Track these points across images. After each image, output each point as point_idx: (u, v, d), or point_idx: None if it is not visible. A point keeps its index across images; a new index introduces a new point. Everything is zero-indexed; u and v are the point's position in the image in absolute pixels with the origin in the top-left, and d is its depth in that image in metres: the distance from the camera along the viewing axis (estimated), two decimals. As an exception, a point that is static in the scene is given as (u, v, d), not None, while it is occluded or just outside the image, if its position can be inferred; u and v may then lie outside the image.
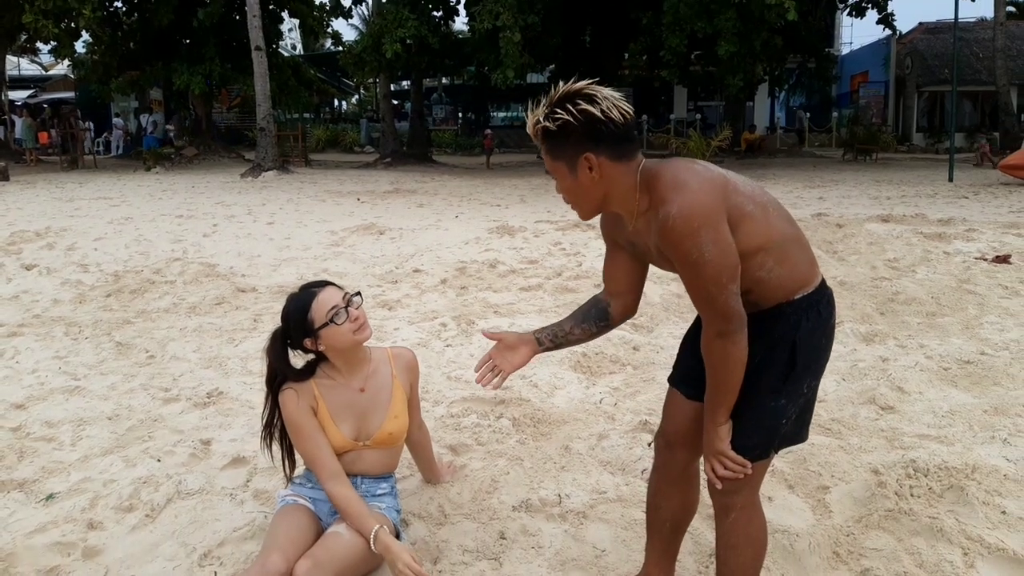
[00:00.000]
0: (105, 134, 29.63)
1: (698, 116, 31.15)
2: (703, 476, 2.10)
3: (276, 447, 2.65)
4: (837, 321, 4.95)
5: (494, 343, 2.29)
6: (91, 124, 27.64)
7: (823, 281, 2.04)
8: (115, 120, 29.66)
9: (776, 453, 2.08)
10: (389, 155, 23.23)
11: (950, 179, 15.48)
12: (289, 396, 2.51)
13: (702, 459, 2.11)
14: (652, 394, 3.85)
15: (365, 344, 2.59)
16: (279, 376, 2.57)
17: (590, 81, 1.86)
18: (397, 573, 2.26)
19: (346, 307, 2.49)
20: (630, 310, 2.25)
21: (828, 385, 4.02)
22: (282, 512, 2.46)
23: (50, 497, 3.01)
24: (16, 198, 12.80)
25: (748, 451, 1.98)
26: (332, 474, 2.43)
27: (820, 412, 3.70)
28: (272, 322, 5.32)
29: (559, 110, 1.82)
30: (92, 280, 6.53)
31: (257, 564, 2.22)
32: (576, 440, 3.41)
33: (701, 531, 2.67)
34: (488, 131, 26.71)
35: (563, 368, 4.24)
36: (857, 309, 5.36)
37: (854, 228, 8.10)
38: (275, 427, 2.64)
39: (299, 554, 2.23)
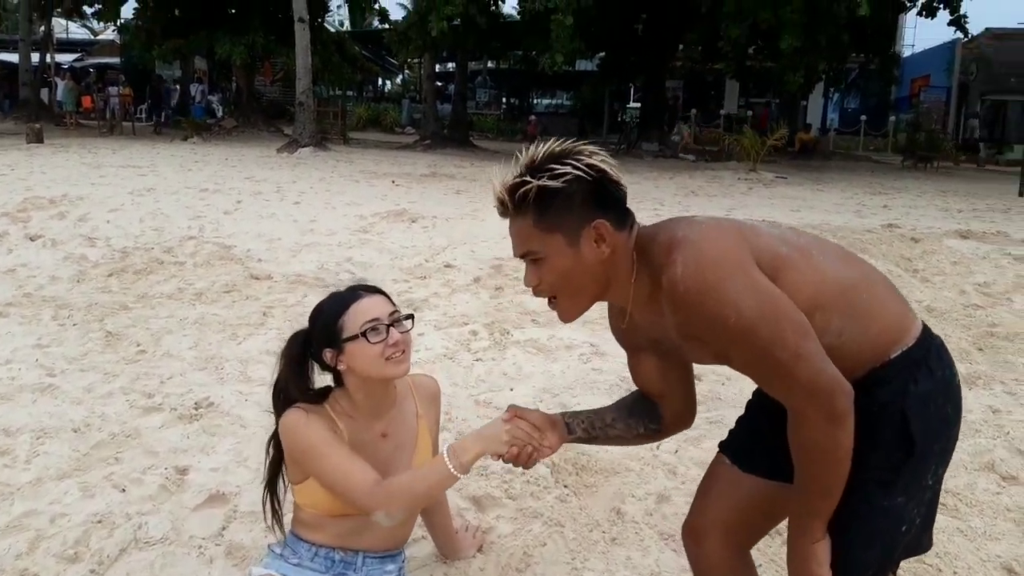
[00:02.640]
0: (148, 102, 29.35)
1: (749, 112, 30.11)
2: None
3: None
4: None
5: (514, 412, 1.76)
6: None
7: (925, 328, 1.46)
8: (192, 86, 29.33)
9: (895, 573, 1.52)
10: (429, 137, 22.65)
11: (1020, 194, 14.50)
12: (297, 416, 1.89)
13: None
14: (719, 440, 3.18)
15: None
16: (284, 392, 1.97)
17: (575, 140, 1.49)
18: (508, 452, 1.70)
19: (389, 326, 1.87)
20: (684, 415, 1.73)
21: (934, 442, 3.33)
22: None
23: (-19, 535, 2.45)
24: (44, 162, 12.42)
25: (857, 571, 1.42)
26: (374, 484, 1.79)
27: (930, 480, 3.03)
28: (283, 317, 4.75)
29: (558, 166, 1.42)
30: (97, 256, 6.01)
31: None
32: (629, 500, 2.77)
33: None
34: (532, 117, 25.98)
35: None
36: (952, 343, 4.62)
37: (933, 244, 7.30)
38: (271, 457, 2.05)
39: None
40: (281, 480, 2.07)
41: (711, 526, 1.66)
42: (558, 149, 1.46)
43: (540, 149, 1.47)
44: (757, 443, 1.65)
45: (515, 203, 1.46)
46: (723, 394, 3.76)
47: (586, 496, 2.80)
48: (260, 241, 6.69)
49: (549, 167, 1.43)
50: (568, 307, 1.53)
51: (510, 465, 1.71)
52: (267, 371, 3.88)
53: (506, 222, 1.52)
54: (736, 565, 1.67)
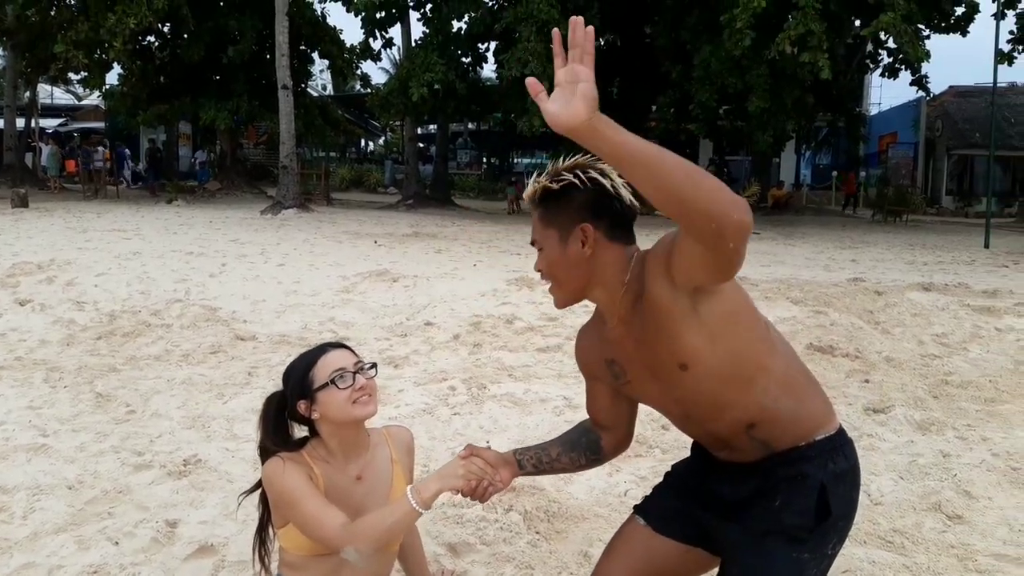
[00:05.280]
0: (143, 165, 29.67)
1: (724, 170, 30.85)
2: None
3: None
4: (888, 404, 4.42)
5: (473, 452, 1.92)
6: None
7: (842, 428, 1.72)
8: (197, 154, 30.11)
9: None
10: (411, 197, 23.07)
11: (986, 245, 14.96)
12: (275, 465, 2.05)
13: None
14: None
15: (365, 425, 2.18)
16: (265, 448, 2.15)
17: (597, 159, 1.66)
18: (465, 486, 1.85)
19: (354, 373, 2.08)
20: (622, 444, 1.95)
21: (885, 485, 3.54)
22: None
23: (-18, 587, 2.59)
24: (30, 227, 12.60)
25: None
26: (342, 526, 1.95)
27: (879, 520, 3.22)
28: (268, 376, 4.92)
29: (566, 174, 1.66)
30: (85, 320, 6.18)
31: None
32: (597, 543, 2.94)
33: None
34: (513, 178, 26.50)
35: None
36: (908, 391, 4.87)
37: (895, 297, 7.61)
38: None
39: None
40: (270, 527, 2.25)
41: None
42: (577, 162, 1.67)
43: (568, 160, 1.70)
44: (673, 507, 1.84)
45: (533, 199, 1.72)
46: (688, 442, 3.95)
47: (556, 541, 2.98)
48: (245, 303, 6.88)
49: (562, 173, 1.67)
50: (557, 293, 1.76)
51: (475, 503, 1.89)
52: (252, 429, 4.05)
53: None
54: None
